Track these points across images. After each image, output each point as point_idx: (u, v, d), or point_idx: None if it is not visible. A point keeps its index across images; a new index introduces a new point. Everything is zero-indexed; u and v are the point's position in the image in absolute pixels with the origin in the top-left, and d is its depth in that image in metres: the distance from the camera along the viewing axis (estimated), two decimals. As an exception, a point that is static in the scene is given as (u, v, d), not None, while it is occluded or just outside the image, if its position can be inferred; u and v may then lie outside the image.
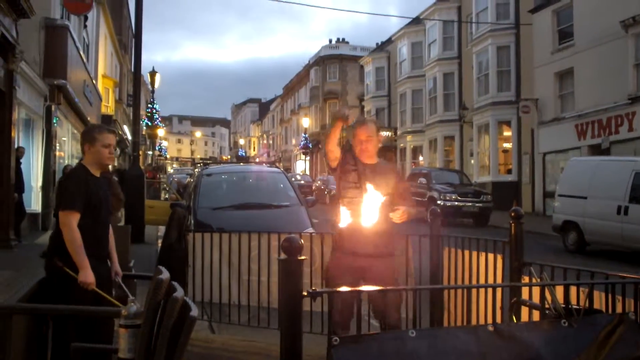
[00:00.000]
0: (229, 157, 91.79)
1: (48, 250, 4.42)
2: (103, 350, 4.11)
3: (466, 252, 5.36)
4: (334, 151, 4.81)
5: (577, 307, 3.13)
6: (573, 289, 3.26)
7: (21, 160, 13.77)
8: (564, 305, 3.11)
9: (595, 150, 22.65)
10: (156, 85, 33.07)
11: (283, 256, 2.66)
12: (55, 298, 4.20)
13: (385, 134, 43.94)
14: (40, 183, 16.54)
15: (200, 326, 6.63)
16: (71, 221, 4.24)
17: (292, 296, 2.63)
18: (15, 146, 13.48)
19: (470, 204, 21.94)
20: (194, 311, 3.04)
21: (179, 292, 3.12)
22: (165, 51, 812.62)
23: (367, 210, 4.50)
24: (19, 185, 13.34)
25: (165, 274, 3.40)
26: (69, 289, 4.19)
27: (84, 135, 4.67)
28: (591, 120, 23.23)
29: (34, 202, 16.22)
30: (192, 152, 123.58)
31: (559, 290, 3.35)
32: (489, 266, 5.03)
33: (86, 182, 4.39)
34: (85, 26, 23.45)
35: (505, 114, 29.41)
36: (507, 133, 30.13)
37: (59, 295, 4.21)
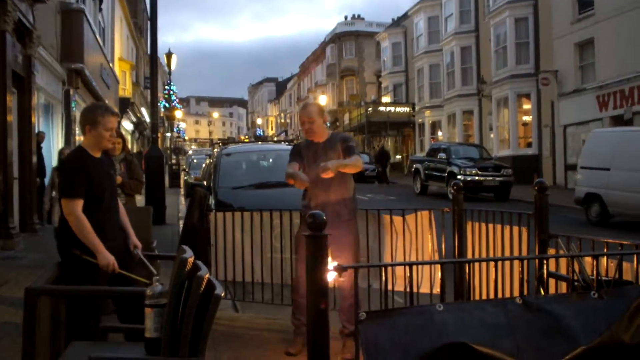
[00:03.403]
0: (246, 137, 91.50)
1: (59, 239, 4.33)
2: (130, 330, 4.13)
3: (490, 226, 5.31)
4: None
5: (607, 278, 3.09)
6: (601, 261, 3.21)
7: (42, 145, 13.87)
8: (593, 277, 3.07)
9: (618, 121, 22.33)
10: (172, 67, 33.07)
11: (307, 232, 2.64)
12: (74, 282, 4.19)
13: (403, 110, 43.79)
14: (61, 167, 16.68)
15: (224, 305, 6.66)
16: (75, 209, 4.13)
17: (317, 272, 2.61)
18: (36, 131, 13.57)
19: (491, 178, 21.80)
20: (219, 289, 3.04)
21: (204, 271, 3.12)
22: (176, 32, 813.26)
23: (324, 184, 5.08)
24: (41, 169, 13.45)
25: (189, 253, 3.40)
26: (87, 274, 4.14)
27: (85, 116, 4.44)
28: (613, 91, 22.90)
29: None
30: (210, 133, 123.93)
31: (587, 262, 3.30)
32: (513, 239, 4.99)
33: (85, 167, 4.25)
34: (100, 9, 23.46)
35: (525, 87, 29.09)
36: (527, 106, 29.83)
37: (77, 280, 4.16)
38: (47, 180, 13.84)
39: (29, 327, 3.54)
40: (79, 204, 4.17)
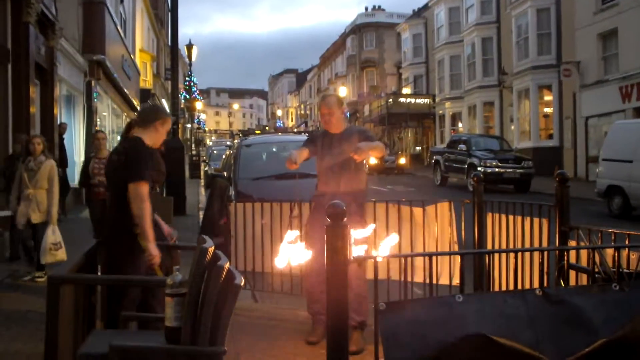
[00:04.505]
0: (258, 130, 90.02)
1: (113, 223, 4.36)
2: (152, 319, 4.17)
3: (510, 217, 5.28)
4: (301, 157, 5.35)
5: (628, 270, 3.06)
6: (623, 253, 3.18)
7: (64, 136, 14.00)
8: (614, 269, 3.04)
9: (641, 113, 22.07)
10: (193, 58, 33.23)
11: (328, 222, 2.64)
12: (119, 268, 4.20)
13: (423, 101, 43.61)
14: (82, 158, 16.77)
15: (244, 295, 6.68)
16: (144, 192, 4.17)
17: (338, 262, 2.61)
18: (58, 122, 13.70)
19: (511, 170, 21.66)
20: (238, 279, 3.06)
21: (223, 260, 3.14)
22: (195, 24, 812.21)
23: (336, 174, 5.25)
24: (63, 160, 13.56)
25: (209, 243, 3.43)
26: (135, 261, 4.18)
27: (157, 113, 4.64)
28: (636, 82, 22.59)
29: (78, 176, 16.52)
30: (231, 124, 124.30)
31: (608, 254, 3.27)
32: (534, 231, 4.95)
33: (151, 154, 4.39)
34: (121, 1, 23.55)
35: (546, 78, 28.81)
36: (548, 97, 29.54)
37: (123, 266, 4.19)
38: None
39: (52, 314, 3.58)
40: (147, 187, 4.22)
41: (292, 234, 4.47)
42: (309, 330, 5.40)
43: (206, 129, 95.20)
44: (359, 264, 2.77)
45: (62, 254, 7.43)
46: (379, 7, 62.10)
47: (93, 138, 9.13)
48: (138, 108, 28.82)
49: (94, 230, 8.82)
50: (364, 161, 5.49)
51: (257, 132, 30.59)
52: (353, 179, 5.28)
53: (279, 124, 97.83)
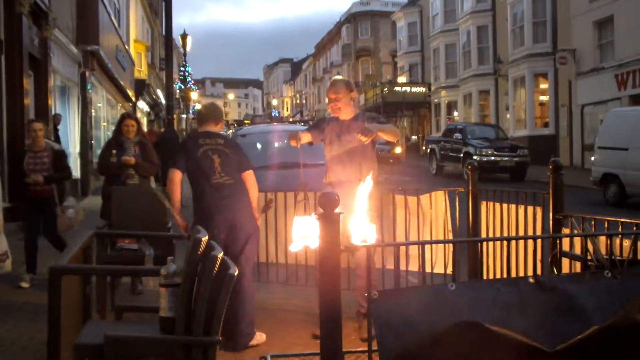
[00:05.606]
0: (247, 121, 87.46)
1: (244, 204, 5.06)
2: (145, 310, 4.18)
3: (504, 206, 5.29)
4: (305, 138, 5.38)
5: (621, 258, 3.07)
6: (616, 240, 3.19)
7: (59, 127, 13.94)
8: (606, 257, 3.05)
9: (637, 100, 22.02)
10: (187, 48, 33.06)
11: (320, 211, 2.64)
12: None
13: (418, 90, 43.56)
14: (78, 149, 16.78)
15: (240, 285, 6.69)
16: None
17: (330, 250, 2.62)
18: (53, 113, 13.64)
19: (507, 158, 21.67)
20: (233, 269, 3.07)
21: (217, 251, 3.14)
22: (189, 13, 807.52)
23: (345, 162, 5.15)
24: (58, 151, 13.51)
25: (203, 233, 3.43)
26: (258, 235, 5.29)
27: (220, 113, 5.48)
28: (632, 69, 22.58)
29: (73, 168, 16.41)
30: (226, 114, 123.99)
31: (601, 242, 3.29)
32: (528, 219, 4.97)
33: None
34: (115, -9, 23.45)
35: (542, 66, 28.77)
36: (544, 85, 29.52)
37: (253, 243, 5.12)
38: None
39: (54, 305, 3.57)
40: None
41: (301, 220, 4.39)
42: (305, 319, 5.42)
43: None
44: (352, 253, 2.77)
45: (8, 266, 6.41)
46: (375, -5, 61.95)
47: (26, 128, 7.83)
48: (133, 99, 28.77)
49: (28, 230, 7.34)
50: (375, 146, 5.31)
51: (246, 122, 30.49)
52: (363, 167, 5.05)
53: (275, 113, 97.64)
